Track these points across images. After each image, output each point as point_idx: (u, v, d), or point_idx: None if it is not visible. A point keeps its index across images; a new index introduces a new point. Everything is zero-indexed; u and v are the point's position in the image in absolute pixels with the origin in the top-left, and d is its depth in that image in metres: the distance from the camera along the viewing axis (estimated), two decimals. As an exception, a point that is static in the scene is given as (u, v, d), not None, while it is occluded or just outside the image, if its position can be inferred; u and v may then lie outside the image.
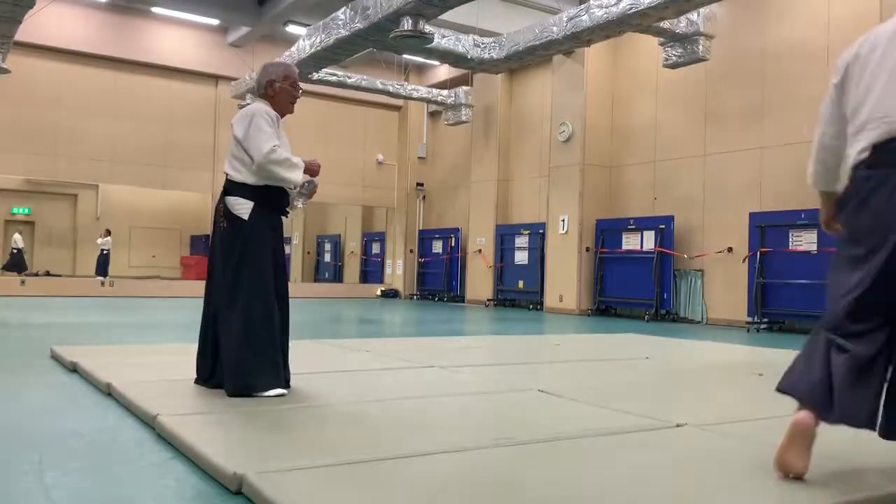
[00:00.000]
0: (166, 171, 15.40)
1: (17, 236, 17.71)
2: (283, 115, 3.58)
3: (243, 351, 3.30)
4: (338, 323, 9.88)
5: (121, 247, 18.58)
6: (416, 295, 17.26)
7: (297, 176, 3.42)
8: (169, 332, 7.66)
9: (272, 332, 3.37)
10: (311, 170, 3.50)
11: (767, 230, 9.69)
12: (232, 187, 3.47)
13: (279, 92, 3.56)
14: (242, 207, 3.41)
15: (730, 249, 10.55)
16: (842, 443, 2.81)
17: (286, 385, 3.44)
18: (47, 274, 16.35)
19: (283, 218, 3.66)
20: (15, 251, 17.58)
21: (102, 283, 14.73)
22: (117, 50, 14.69)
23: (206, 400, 3.28)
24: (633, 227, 11.79)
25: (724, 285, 10.63)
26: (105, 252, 16.62)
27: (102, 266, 16.44)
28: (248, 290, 3.36)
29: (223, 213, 3.46)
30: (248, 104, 3.62)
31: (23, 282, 14.35)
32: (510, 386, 4.02)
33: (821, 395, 2.32)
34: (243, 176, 3.43)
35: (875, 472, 2.35)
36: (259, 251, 3.41)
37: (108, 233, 16.94)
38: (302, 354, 4.94)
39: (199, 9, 13.42)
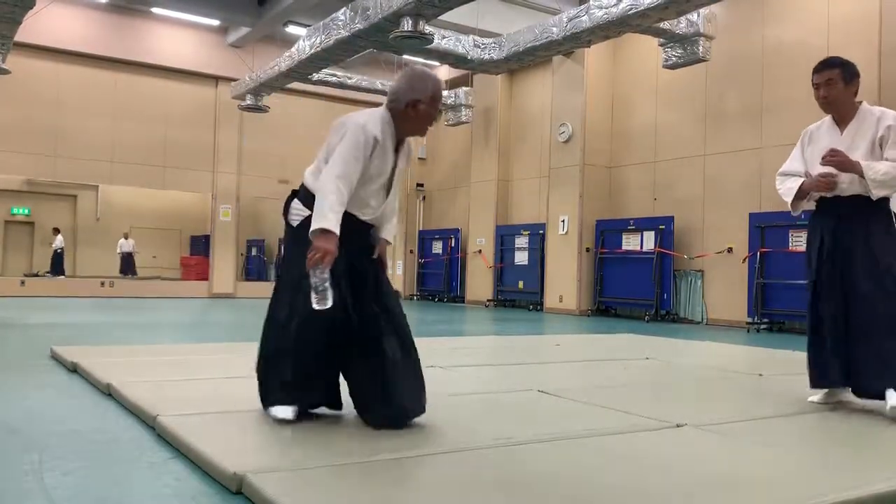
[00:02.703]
0: (166, 171, 15.40)
1: (59, 238, 17.73)
2: (406, 136, 3.02)
3: (260, 358, 2.97)
4: (338, 323, 9.87)
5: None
6: (417, 295, 17.26)
7: (318, 223, 2.70)
8: (169, 332, 7.66)
9: (287, 343, 2.83)
10: (315, 253, 2.66)
11: (767, 230, 9.69)
12: (303, 190, 2.97)
13: (422, 116, 2.92)
14: (296, 215, 2.94)
15: (730, 250, 10.55)
16: (843, 440, 2.81)
17: (316, 404, 2.93)
18: (48, 274, 16.35)
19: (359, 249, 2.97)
20: (59, 251, 17.64)
21: (22, 282, 14.54)
22: (117, 50, 14.69)
23: (205, 400, 3.28)
24: (633, 227, 11.79)
25: (724, 286, 10.63)
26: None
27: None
28: (278, 297, 2.97)
29: (283, 213, 3.03)
30: (370, 110, 2.95)
31: (23, 282, 14.34)
32: (510, 386, 4.02)
33: None
34: (315, 181, 2.89)
35: (875, 470, 2.35)
36: (299, 259, 2.81)
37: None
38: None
39: (199, 9, 13.42)
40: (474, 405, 3.47)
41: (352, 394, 2.92)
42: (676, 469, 2.38)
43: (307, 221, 2.78)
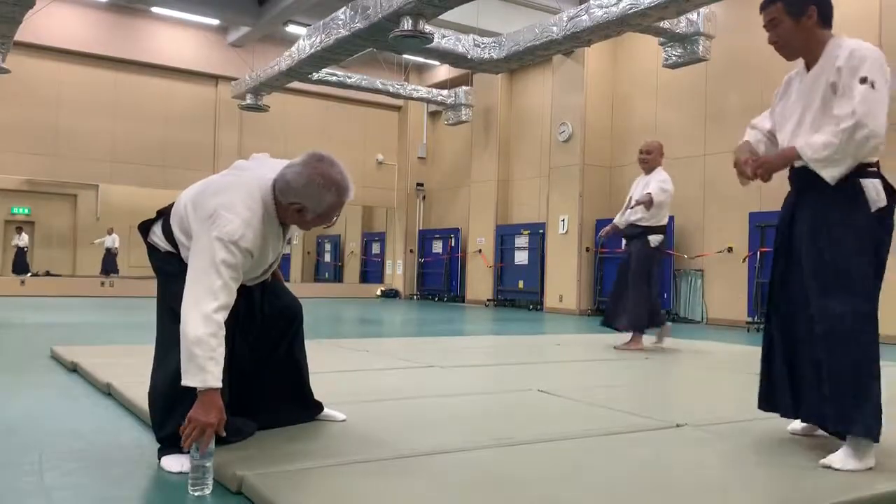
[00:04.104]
0: (166, 171, 15.39)
1: (24, 236, 17.68)
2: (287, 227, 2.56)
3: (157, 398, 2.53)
4: (338, 323, 9.88)
5: (121, 247, 18.56)
6: (417, 295, 17.26)
7: (196, 379, 2.17)
8: (169, 332, 7.64)
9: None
10: (193, 427, 2.12)
11: (767, 230, 9.68)
12: (166, 223, 2.55)
13: (306, 222, 2.46)
14: (160, 244, 2.56)
15: (730, 249, 10.55)
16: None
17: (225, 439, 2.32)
18: (47, 274, 16.34)
19: None
20: (23, 248, 17.65)
21: (22, 282, 14.51)
22: (117, 50, 14.69)
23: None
24: (633, 227, 11.78)
25: (725, 285, 10.63)
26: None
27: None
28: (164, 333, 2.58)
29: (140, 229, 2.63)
30: (248, 185, 2.39)
31: (23, 282, 14.34)
32: (510, 386, 4.02)
33: None
34: (181, 236, 2.47)
35: (875, 470, 2.35)
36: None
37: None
38: (302, 354, 4.94)
39: (199, 9, 13.42)
40: (474, 405, 3.47)
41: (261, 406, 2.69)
42: (676, 469, 2.38)
43: (178, 256, 2.45)
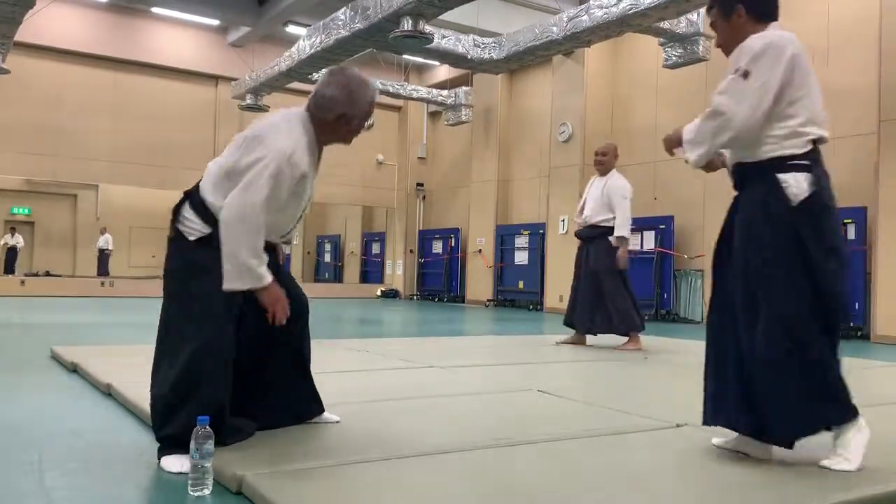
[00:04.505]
0: (166, 171, 15.39)
1: (18, 236, 17.64)
2: (325, 145, 2.64)
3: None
4: (338, 323, 9.88)
5: (121, 247, 18.59)
6: (417, 295, 17.26)
7: (256, 281, 2.36)
8: (169, 332, 7.64)
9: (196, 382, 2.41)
10: (274, 308, 2.43)
11: (767, 230, 9.68)
12: (195, 195, 2.50)
13: (351, 131, 2.58)
14: (192, 229, 2.47)
15: (730, 250, 10.55)
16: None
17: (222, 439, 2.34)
18: (47, 274, 16.35)
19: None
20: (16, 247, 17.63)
21: (22, 282, 14.46)
22: (117, 50, 14.69)
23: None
24: (633, 227, 11.71)
25: (724, 285, 10.62)
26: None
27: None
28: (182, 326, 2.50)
29: (171, 220, 2.54)
30: (289, 114, 2.54)
31: (23, 282, 14.34)
32: (510, 386, 4.02)
33: None
34: (216, 197, 2.44)
35: (876, 470, 2.35)
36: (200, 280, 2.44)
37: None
38: (302, 354, 4.94)
39: (199, 9, 13.43)
40: (474, 405, 3.47)
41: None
42: (676, 469, 2.38)
43: (213, 240, 2.38)
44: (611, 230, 5.99)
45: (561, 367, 5.00)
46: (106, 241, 17.83)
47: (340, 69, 2.60)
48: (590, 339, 6.26)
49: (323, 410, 2.85)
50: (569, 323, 6.30)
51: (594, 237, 6.07)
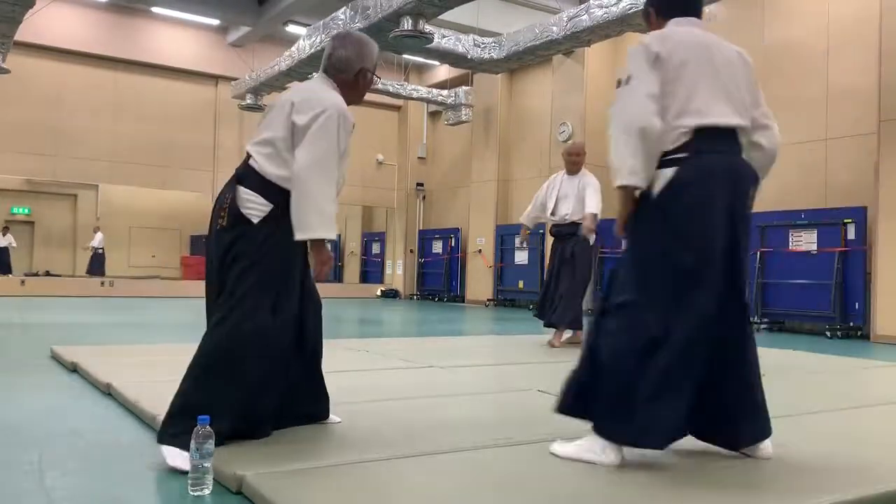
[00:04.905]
0: (166, 171, 15.40)
1: (9, 236, 17.58)
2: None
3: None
4: (338, 323, 9.88)
5: (121, 247, 18.59)
6: (417, 295, 17.26)
7: (327, 231, 2.43)
8: (169, 332, 7.66)
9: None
10: (324, 265, 2.51)
11: (767, 230, 9.68)
12: (251, 177, 2.49)
13: (367, 84, 2.78)
14: (255, 209, 2.46)
15: (730, 249, 10.54)
16: (844, 440, 2.81)
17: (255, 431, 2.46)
18: (47, 274, 16.36)
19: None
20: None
21: (22, 282, 14.40)
22: (117, 50, 14.70)
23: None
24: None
25: (724, 285, 10.62)
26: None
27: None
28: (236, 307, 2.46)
29: (227, 208, 2.49)
30: (313, 82, 2.74)
31: (23, 282, 14.35)
32: (510, 386, 4.02)
33: None
34: (277, 168, 2.47)
35: (876, 470, 2.35)
36: (272, 265, 2.48)
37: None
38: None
39: (199, 9, 13.44)
40: (474, 405, 3.47)
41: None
42: (676, 469, 2.38)
43: (276, 217, 2.44)
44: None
45: (561, 368, 4.98)
46: (99, 240, 17.79)
47: (346, 32, 2.79)
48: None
49: (329, 412, 2.85)
50: (549, 323, 6.28)
51: (573, 234, 6.15)
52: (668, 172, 2.38)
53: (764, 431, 2.47)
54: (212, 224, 2.55)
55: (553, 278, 6.25)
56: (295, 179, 2.40)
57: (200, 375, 2.40)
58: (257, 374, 2.42)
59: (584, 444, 2.39)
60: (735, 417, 2.43)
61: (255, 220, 2.46)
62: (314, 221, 2.39)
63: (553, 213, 6.32)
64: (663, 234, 2.37)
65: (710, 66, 2.44)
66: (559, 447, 2.45)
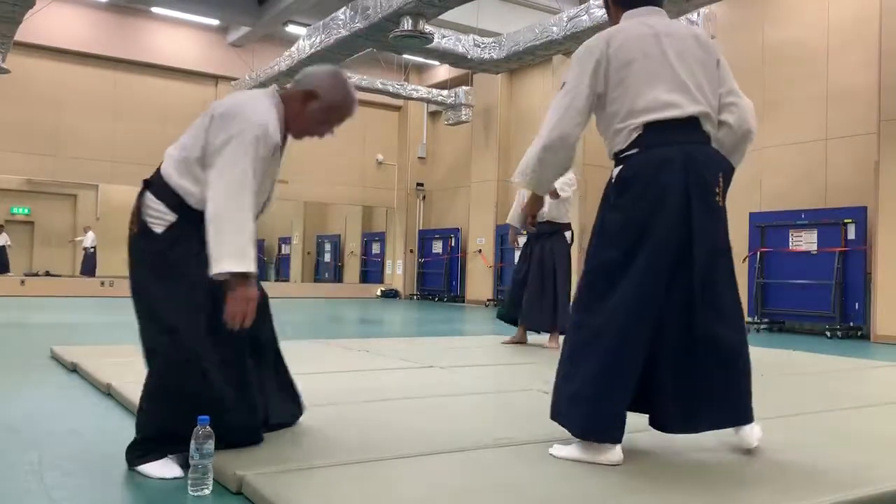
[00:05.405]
0: (166, 171, 15.38)
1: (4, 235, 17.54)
2: (295, 138, 2.55)
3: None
4: (338, 323, 9.88)
5: (121, 247, 18.51)
6: (416, 295, 17.26)
7: (240, 264, 2.17)
8: (169, 332, 7.64)
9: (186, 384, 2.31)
10: (239, 307, 2.21)
11: (767, 230, 9.69)
12: (158, 182, 2.38)
13: (308, 114, 2.45)
14: (157, 218, 2.35)
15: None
16: (844, 440, 2.81)
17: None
18: (47, 274, 16.36)
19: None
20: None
21: (22, 282, 14.39)
22: (117, 50, 14.69)
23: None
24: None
25: (724, 285, 10.61)
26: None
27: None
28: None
29: (134, 213, 2.40)
30: (253, 92, 2.47)
31: (23, 282, 14.35)
32: (510, 386, 4.02)
33: None
34: (181, 178, 2.34)
35: (876, 470, 2.35)
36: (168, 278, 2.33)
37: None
38: (302, 354, 4.94)
39: (199, 9, 13.44)
40: (474, 405, 3.47)
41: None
42: (676, 469, 2.38)
43: (178, 230, 2.31)
44: (567, 226, 6.20)
45: (561, 367, 4.99)
46: (91, 239, 17.77)
47: (338, 69, 2.56)
48: (531, 336, 6.28)
49: (302, 409, 2.76)
50: (511, 319, 6.23)
51: (552, 233, 6.15)
52: (616, 170, 2.43)
53: (724, 420, 2.45)
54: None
55: (533, 280, 6.10)
56: (207, 213, 2.20)
57: (153, 406, 2.32)
58: (210, 395, 2.27)
59: (582, 444, 2.39)
60: (666, 400, 2.40)
61: (158, 231, 2.33)
62: (225, 254, 2.16)
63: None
64: (601, 230, 2.44)
65: (659, 60, 2.38)
66: (558, 449, 2.46)
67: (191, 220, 2.29)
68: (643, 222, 2.32)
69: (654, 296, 2.32)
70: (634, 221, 2.34)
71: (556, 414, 2.46)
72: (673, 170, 2.32)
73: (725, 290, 2.42)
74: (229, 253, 2.15)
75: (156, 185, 2.37)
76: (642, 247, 2.31)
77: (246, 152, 2.22)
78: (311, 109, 2.42)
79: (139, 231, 2.36)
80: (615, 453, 2.34)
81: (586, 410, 2.34)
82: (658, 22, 2.46)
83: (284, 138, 2.48)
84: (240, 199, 2.20)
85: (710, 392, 2.39)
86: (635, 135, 2.39)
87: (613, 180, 2.44)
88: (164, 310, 2.30)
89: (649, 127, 2.36)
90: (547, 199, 6.17)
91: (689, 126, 2.39)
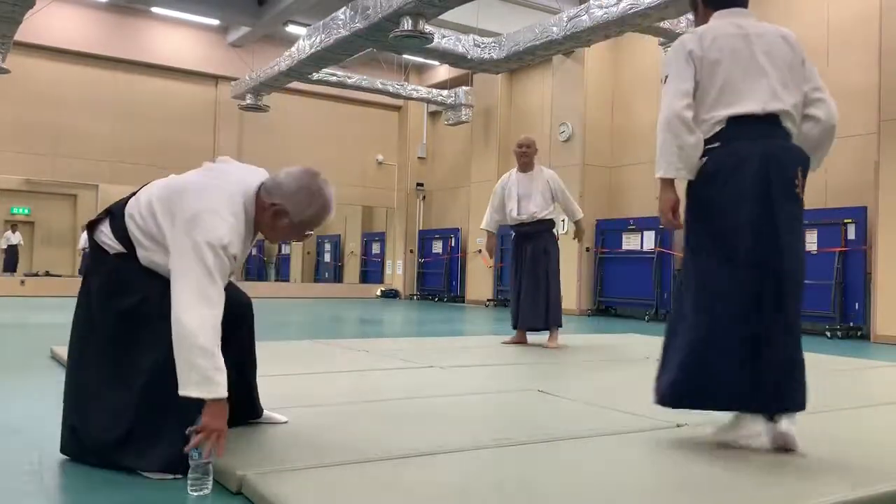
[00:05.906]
0: (166, 171, 14.91)
1: (18, 234, 17.57)
2: (257, 231, 2.46)
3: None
4: (338, 323, 9.88)
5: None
6: (416, 295, 17.26)
7: (208, 391, 2.10)
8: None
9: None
10: (206, 433, 2.08)
11: (767, 230, 9.68)
12: (118, 221, 2.38)
13: (278, 228, 2.38)
14: (109, 244, 2.40)
15: (730, 249, 10.54)
16: (844, 440, 2.81)
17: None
18: (47, 274, 16.35)
19: None
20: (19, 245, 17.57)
21: (22, 282, 14.36)
22: (117, 50, 14.69)
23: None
24: (634, 227, 11.79)
25: (724, 285, 10.61)
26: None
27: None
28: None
29: (88, 229, 2.52)
30: (234, 190, 2.33)
31: (23, 282, 14.34)
32: (510, 386, 4.02)
33: None
34: (139, 238, 2.34)
35: (877, 470, 2.35)
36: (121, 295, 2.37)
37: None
38: (302, 354, 4.94)
39: (199, 9, 13.43)
40: (474, 405, 3.47)
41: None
42: (676, 470, 2.38)
43: (127, 257, 2.33)
44: (553, 223, 6.26)
45: (561, 368, 5.00)
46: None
47: (317, 174, 2.45)
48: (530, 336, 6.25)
49: (261, 413, 2.73)
50: (533, 327, 6.14)
51: (542, 231, 6.15)
52: (701, 162, 2.58)
53: (770, 405, 2.52)
54: None
55: (528, 279, 6.07)
56: (172, 322, 2.13)
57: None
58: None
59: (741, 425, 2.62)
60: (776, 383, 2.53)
61: (110, 252, 2.37)
62: (193, 381, 2.10)
63: (519, 213, 6.26)
64: (695, 222, 2.61)
65: (746, 59, 2.57)
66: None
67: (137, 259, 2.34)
68: (725, 216, 2.52)
69: (746, 285, 2.48)
70: (719, 214, 2.54)
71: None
72: (755, 166, 2.49)
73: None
74: (196, 381, 2.09)
75: (116, 218, 2.38)
76: (727, 239, 2.51)
77: (204, 272, 2.15)
78: (281, 225, 2.36)
79: (93, 249, 2.43)
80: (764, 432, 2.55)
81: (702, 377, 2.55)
82: (748, 23, 2.65)
83: (252, 239, 2.46)
84: (201, 310, 2.12)
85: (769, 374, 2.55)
86: (718, 128, 2.56)
87: (700, 172, 2.59)
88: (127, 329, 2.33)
89: (732, 121, 2.54)
90: (540, 197, 6.17)
91: (770, 123, 2.56)
